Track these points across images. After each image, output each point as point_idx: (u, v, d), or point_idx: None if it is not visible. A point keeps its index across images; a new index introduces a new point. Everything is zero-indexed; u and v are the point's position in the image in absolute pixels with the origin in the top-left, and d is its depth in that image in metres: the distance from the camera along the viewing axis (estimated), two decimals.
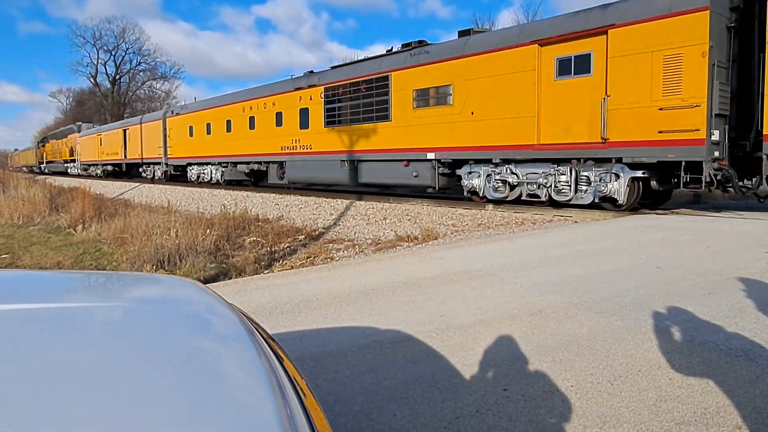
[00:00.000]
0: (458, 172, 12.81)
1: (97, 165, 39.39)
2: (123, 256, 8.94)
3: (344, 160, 15.69)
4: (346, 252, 8.58)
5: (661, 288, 4.37)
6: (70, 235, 11.97)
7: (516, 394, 2.62)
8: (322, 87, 16.47)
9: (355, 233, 10.23)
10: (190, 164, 25.70)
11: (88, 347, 0.96)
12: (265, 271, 7.51)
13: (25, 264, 9.39)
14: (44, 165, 55.23)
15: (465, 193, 12.66)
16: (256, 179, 22.68)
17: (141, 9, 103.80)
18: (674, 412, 2.39)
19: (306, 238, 10.05)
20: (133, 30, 72.88)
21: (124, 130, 33.49)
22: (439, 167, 13.16)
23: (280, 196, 16.92)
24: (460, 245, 7.32)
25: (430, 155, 13.11)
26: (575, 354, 3.09)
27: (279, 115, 18.53)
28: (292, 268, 7.51)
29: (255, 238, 9.84)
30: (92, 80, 62.78)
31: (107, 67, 62.81)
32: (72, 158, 45.20)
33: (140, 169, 32.00)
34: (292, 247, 9.27)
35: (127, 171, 35.77)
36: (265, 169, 19.99)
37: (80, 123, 47.07)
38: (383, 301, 4.44)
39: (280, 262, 8.19)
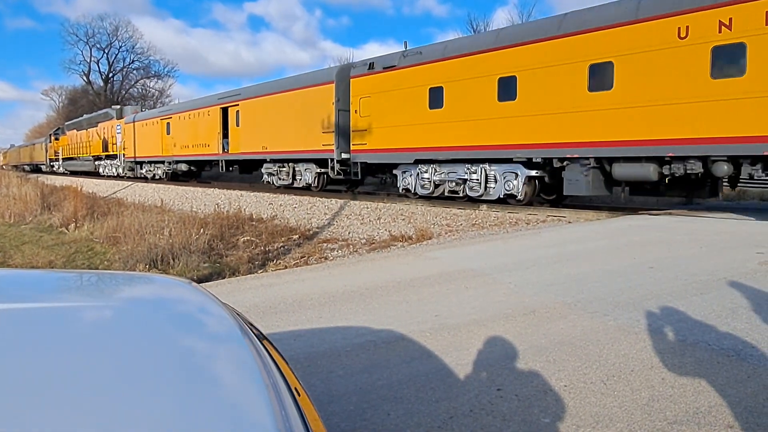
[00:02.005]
0: None
1: (161, 162, 26.53)
2: (116, 256, 8.90)
3: None
4: (340, 252, 8.57)
5: (653, 288, 4.39)
6: (62, 234, 11.89)
7: (510, 393, 2.62)
8: None
9: (349, 233, 10.23)
10: (421, 161, 13.14)
11: (79, 347, 0.95)
12: (259, 271, 7.49)
13: (16, 263, 9.32)
14: (59, 163, 42.74)
15: None
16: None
17: (131, 5, 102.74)
18: (666, 412, 2.40)
19: (300, 237, 10.04)
20: (126, 28, 72.61)
21: (224, 108, 20.55)
22: None
23: (274, 195, 16.87)
24: (454, 245, 7.33)
25: None
26: (568, 354, 3.10)
27: None
28: (286, 267, 7.50)
29: (249, 238, 9.82)
30: (85, 78, 62.49)
31: (100, 65, 62.55)
32: (108, 153, 32.63)
33: (262, 169, 18.95)
34: (286, 247, 9.26)
35: (205, 172, 25.12)
36: (699, 171, 8.64)
37: (120, 106, 34.57)
38: (377, 301, 4.44)
39: (274, 261, 8.17)
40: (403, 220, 10.99)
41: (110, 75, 62.54)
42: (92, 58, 61.62)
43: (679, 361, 2.92)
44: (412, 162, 13.40)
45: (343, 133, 15.10)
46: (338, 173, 15.65)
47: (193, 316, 1.27)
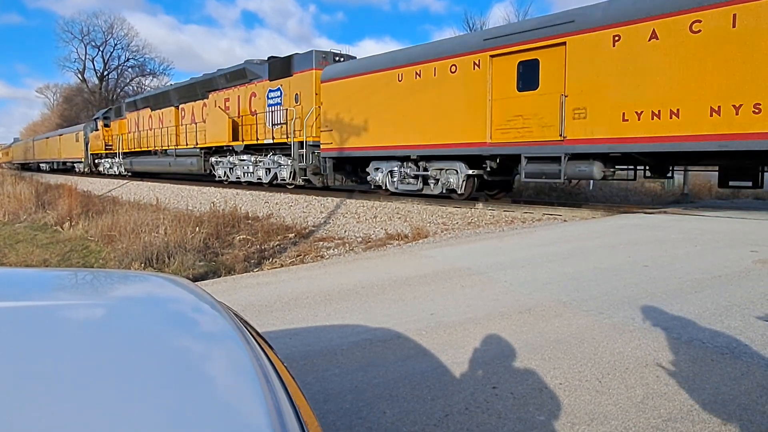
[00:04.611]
0: None
1: (467, 159, 11.35)
2: (111, 254, 8.87)
3: None
4: (336, 250, 8.57)
5: (648, 286, 4.41)
6: (57, 233, 11.85)
7: (505, 391, 2.63)
8: None
9: (345, 231, 10.22)
10: None
11: (73, 346, 0.95)
12: (255, 269, 7.49)
13: (10, 262, 9.28)
14: (115, 160, 29.13)
15: None
16: None
17: (123, 0, 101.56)
18: (661, 409, 2.41)
19: (296, 236, 10.03)
20: (122, 25, 72.41)
21: None
22: None
23: (270, 194, 16.84)
24: (450, 244, 7.34)
25: None
26: (564, 352, 3.11)
27: None
28: (282, 266, 7.49)
29: (245, 236, 9.80)
30: (80, 76, 62.17)
31: (95, 63, 62.25)
32: (244, 143, 17.93)
33: None
34: (282, 246, 9.25)
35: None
36: None
37: (273, 57, 16.72)
38: (373, 300, 4.44)
39: (270, 260, 8.16)
40: (399, 218, 10.99)
41: (105, 73, 62.25)
42: (87, 56, 61.35)
43: (674, 359, 2.94)
44: None
45: None
46: None
47: (188, 314, 1.27)
